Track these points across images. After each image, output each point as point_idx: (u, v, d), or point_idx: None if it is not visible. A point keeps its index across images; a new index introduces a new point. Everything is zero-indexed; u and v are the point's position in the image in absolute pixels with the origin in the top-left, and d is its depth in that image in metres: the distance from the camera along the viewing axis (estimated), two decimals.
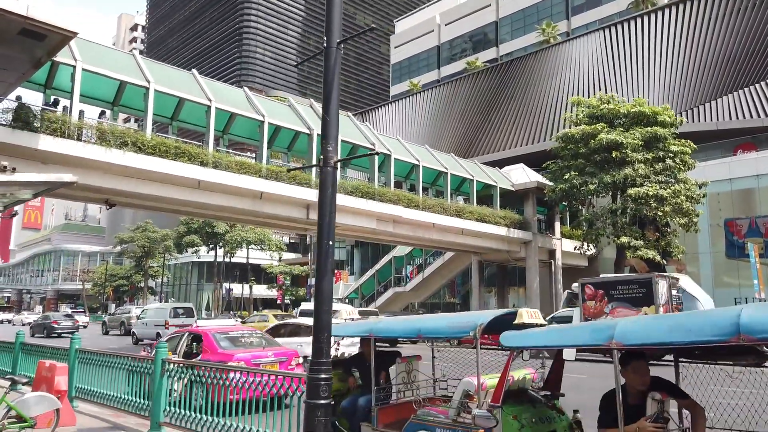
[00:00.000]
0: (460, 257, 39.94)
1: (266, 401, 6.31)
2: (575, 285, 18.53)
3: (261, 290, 62.97)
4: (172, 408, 7.40)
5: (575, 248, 32.60)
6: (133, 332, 29.83)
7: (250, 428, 6.31)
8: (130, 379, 8.59)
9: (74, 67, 18.09)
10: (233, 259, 59.90)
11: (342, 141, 25.91)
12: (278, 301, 60.25)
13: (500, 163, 39.79)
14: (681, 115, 31.15)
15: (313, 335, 5.07)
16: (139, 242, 65.07)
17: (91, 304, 77.88)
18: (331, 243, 5.36)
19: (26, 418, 6.35)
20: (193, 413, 7.11)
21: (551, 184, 32.66)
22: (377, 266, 46.24)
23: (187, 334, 11.57)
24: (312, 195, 23.69)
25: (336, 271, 55.12)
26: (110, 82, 20.22)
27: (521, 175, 36.53)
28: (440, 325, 5.62)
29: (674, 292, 17.08)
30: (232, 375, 7.17)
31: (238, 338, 10.82)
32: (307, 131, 24.96)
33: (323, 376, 4.97)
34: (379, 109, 66.02)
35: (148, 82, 19.97)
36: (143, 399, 8.30)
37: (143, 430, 7.71)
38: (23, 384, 6.58)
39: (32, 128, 16.77)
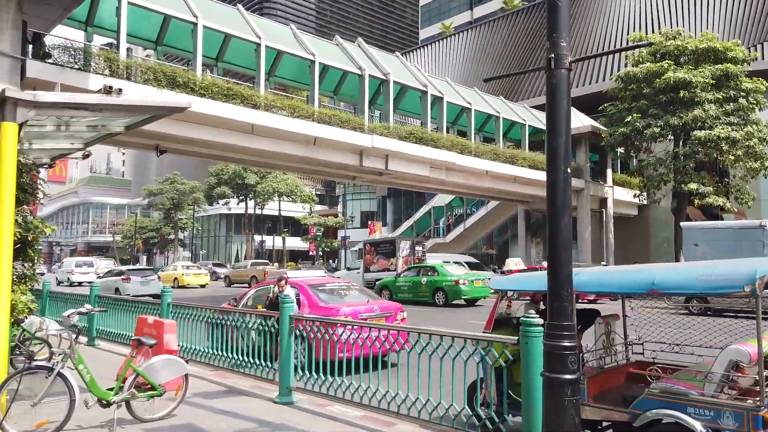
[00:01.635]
0: (504, 207, 38.61)
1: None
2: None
3: (293, 242, 62.56)
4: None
5: (635, 196, 31.05)
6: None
7: (416, 398, 5.26)
8: (229, 334, 7.67)
9: None
10: (264, 211, 59.24)
11: (394, 82, 24.33)
12: (310, 253, 59.85)
13: (544, 108, 37.74)
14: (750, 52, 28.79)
15: (550, 290, 3.89)
16: (168, 194, 64.63)
17: (121, 255, 78.52)
18: (568, 171, 4.10)
19: (155, 385, 5.37)
20: (335, 378, 6.10)
21: (605, 128, 30.88)
22: (415, 216, 45.10)
23: (273, 286, 10.59)
24: (366, 140, 22.36)
25: (369, 222, 54.30)
26: (154, 19, 18.77)
27: (572, 120, 34.57)
28: (686, 278, 4.38)
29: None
30: (341, 330, 6.27)
31: (336, 291, 9.79)
32: (358, 71, 23.36)
33: (567, 343, 3.82)
34: (408, 54, 63.38)
35: (196, 17, 18.46)
36: (250, 357, 7.41)
37: (268, 395, 6.75)
38: (150, 346, 5.54)
39: (84, 67, 15.55)
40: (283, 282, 9.07)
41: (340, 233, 59.72)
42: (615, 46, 40.44)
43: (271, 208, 60.23)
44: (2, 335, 4.82)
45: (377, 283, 23.77)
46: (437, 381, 5.24)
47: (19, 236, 5.36)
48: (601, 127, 32.47)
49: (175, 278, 32.34)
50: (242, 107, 18.57)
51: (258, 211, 58.76)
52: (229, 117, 18.24)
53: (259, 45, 20.15)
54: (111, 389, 5.22)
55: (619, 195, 35.26)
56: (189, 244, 71.79)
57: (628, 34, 37.62)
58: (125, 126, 6.96)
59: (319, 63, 21.85)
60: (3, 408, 4.69)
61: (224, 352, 7.95)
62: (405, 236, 37.34)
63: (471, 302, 20.62)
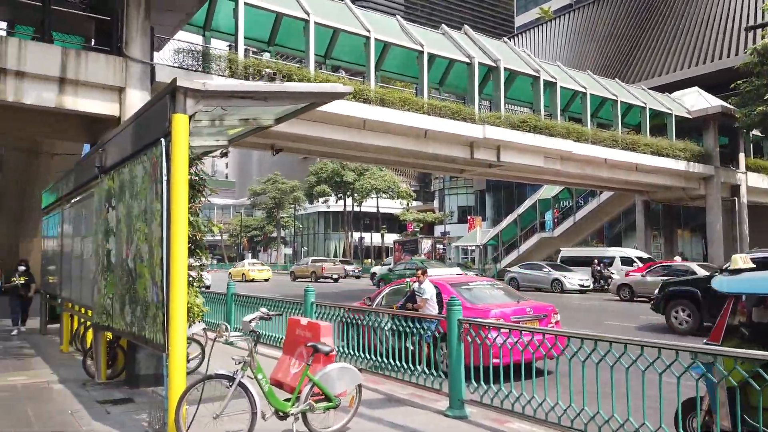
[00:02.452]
0: (619, 198, 35.98)
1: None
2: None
3: (390, 239, 62.58)
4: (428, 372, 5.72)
5: None
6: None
7: (610, 416, 4.39)
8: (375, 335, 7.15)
9: (236, 0, 16.86)
10: (361, 208, 59.71)
11: (504, 69, 23.14)
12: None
13: (660, 90, 34.69)
14: None
15: None
16: (270, 194, 66.95)
17: (228, 253, 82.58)
18: None
19: (331, 396, 4.91)
20: (512, 390, 5.36)
21: (738, 108, 27.74)
22: (519, 210, 43.29)
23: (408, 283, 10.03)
24: (477, 131, 21.40)
25: (469, 218, 53.05)
26: (266, 19, 18.93)
27: (698, 100, 31.51)
28: None
29: None
30: (494, 334, 5.54)
31: (480, 290, 9.04)
32: (466, 60, 22.42)
33: None
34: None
35: (307, 14, 18.39)
36: (399, 362, 6.87)
37: (433, 406, 6.13)
38: (326, 353, 5.09)
39: (206, 69, 15.88)
40: (422, 273, 8.41)
41: (438, 229, 58.99)
42: (745, 16, 36.42)
43: (368, 206, 60.58)
44: (180, 341, 4.53)
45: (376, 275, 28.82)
46: (621, 395, 4.40)
47: (189, 235, 5.11)
48: (731, 107, 29.27)
49: (243, 273, 37.71)
50: (354, 102, 18.29)
51: (356, 209, 59.34)
52: (343, 113, 18.00)
53: (368, 38, 19.80)
54: (287, 400, 4.80)
55: (754, 182, 31.70)
56: (290, 242, 74.06)
57: (764, 2, 33.69)
58: (275, 118, 6.62)
59: (428, 53, 21.16)
60: (184, 420, 4.39)
61: (365, 354, 7.48)
62: (427, 236, 46.86)
63: None
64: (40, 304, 12.25)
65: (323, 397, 4.94)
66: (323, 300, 8.85)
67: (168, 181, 4.67)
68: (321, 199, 60.06)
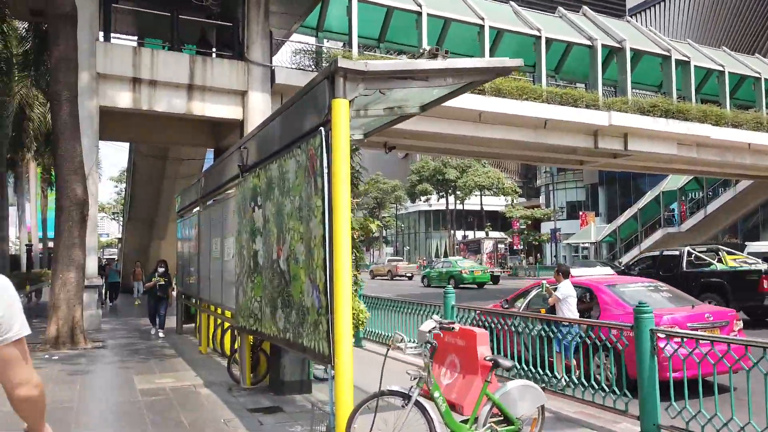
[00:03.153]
0: (756, 189, 32.16)
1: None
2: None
3: (494, 237, 60.80)
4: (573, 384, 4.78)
5: None
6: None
7: None
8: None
9: None
10: (464, 206, 58.51)
11: (631, 49, 21.24)
12: (514, 247, 57.48)
13: None
14: None
15: None
16: (372, 194, 67.53)
17: None
18: None
19: (513, 419, 4.22)
20: (716, 413, 4.36)
21: None
22: (640, 204, 40.11)
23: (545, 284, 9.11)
24: (602, 118, 19.77)
25: (581, 213, 50.12)
26: (377, 15, 18.63)
27: None
28: None
29: None
30: (663, 344, 4.94)
31: (643, 293, 7.92)
32: (588, 42, 20.83)
33: None
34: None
35: (420, 5, 17.85)
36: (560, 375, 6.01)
37: (611, 428, 5.24)
38: (507, 369, 4.41)
39: (319, 69, 15.82)
40: (560, 274, 7.44)
41: (544, 226, 56.39)
42: None
43: (470, 203, 59.23)
44: (347, 351, 4.05)
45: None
46: None
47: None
48: None
49: None
50: (469, 94, 17.45)
51: (458, 207, 58.22)
52: (458, 106, 17.23)
53: (482, 26, 18.91)
54: (465, 421, 4.17)
55: None
56: (392, 241, 74.34)
57: None
58: (421, 105, 6.04)
59: (545, 38, 19.86)
60: None
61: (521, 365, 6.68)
62: (489, 237, 48.62)
63: (480, 285, 28.82)
64: (176, 304, 12.66)
65: (503, 418, 4.26)
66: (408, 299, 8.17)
67: (329, 174, 4.22)
68: (423, 198, 59.56)
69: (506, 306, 9.37)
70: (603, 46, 20.79)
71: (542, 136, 19.62)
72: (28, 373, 1.62)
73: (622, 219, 41.98)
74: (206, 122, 18.50)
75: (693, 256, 13.64)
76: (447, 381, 6.20)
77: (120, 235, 45.21)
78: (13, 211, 33.44)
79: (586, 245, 46.80)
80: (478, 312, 7.72)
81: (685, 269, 13.41)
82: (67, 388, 6.98)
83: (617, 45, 21.26)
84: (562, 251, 48.74)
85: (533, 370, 6.67)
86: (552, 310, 7.83)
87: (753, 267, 12.91)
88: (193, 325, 12.10)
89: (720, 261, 13.44)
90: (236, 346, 8.14)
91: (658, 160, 23.27)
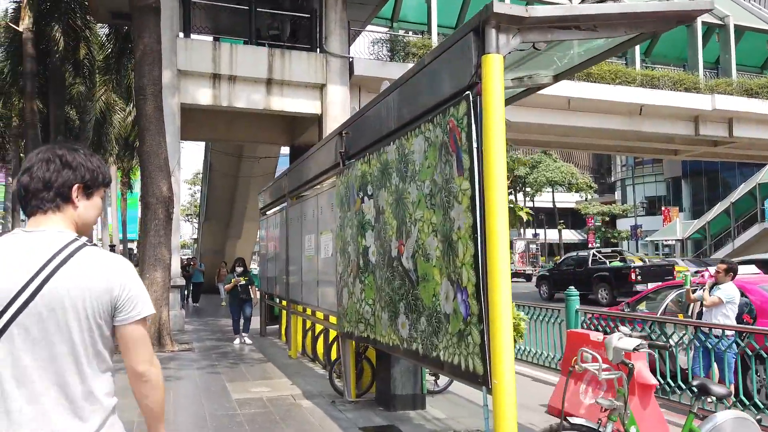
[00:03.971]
0: None
1: None
2: None
3: (567, 235, 58.35)
4: None
5: None
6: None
7: None
8: None
9: None
10: (534, 203, 56.40)
11: (735, 26, 19.29)
12: (589, 245, 54.86)
13: None
14: None
15: None
16: None
17: None
18: None
19: None
20: None
21: None
22: (733, 197, 37.02)
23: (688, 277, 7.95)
24: (704, 102, 17.99)
25: (663, 209, 47.06)
26: (454, 5, 17.72)
27: None
28: None
29: None
30: None
31: None
32: None
33: None
34: None
35: None
36: None
37: None
38: (720, 398, 3.45)
39: (399, 59, 15.13)
40: (726, 272, 6.19)
41: (620, 222, 53.42)
42: None
43: (541, 200, 57.04)
44: (509, 370, 3.22)
45: None
46: None
47: None
48: None
49: None
50: None
51: (528, 203, 56.18)
52: (545, 92, 16.01)
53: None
54: None
55: None
56: None
57: None
58: (555, 74, 5.12)
59: None
60: None
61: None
62: (521, 237, 46.29)
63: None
64: (260, 305, 12.26)
65: None
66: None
67: (480, 150, 3.40)
68: None
69: (628, 310, 8.29)
70: (702, 23, 18.96)
71: (636, 124, 18.08)
72: (151, 353, 1.62)
73: (712, 214, 38.90)
74: (282, 119, 18.20)
75: (597, 257, 19.72)
76: (590, 401, 5.27)
77: (193, 237, 46.43)
78: None
79: (671, 242, 43.81)
80: (611, 318, 6.72)
81: (589, 266, 19.20)
82: None
83: (719, 22, 19.37)
84: (642, 249, 45.86)
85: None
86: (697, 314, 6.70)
87: (628, 264, 18.13)
88: (277, 326, 11.65)
89: (623, 260, 19.11)
90: (332, 353, 7.50)
91: (764, 148, 21.07)
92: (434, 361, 3.99)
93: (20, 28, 16.95)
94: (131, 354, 1.57)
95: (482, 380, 3.36)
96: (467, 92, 3.49)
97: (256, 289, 11.28)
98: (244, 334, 10.70)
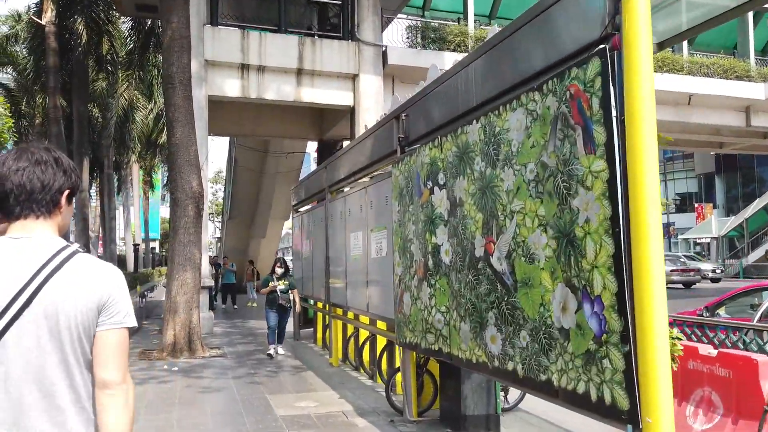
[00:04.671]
0: None
1: None
2: None
3: None
4: None
5: None
6: None
7: None
8: None
9: None
10: None
11: None
12: None
13: None
14: None
15: None
16: None
17: None
18: None
19: None
20: None
21: None
22: None
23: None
24: (757, 91, 16.90)
25: (697, 206, 45.53)
26: None
27: None
28: None
29: None
30: None
31: None
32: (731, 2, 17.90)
33: None
34: None
35: None
36: None
37: None
38: None
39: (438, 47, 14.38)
40: None
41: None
42: None
43: None
44: (666, 405, 2.46)
45: None
46: None
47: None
48: None
49: None
50: None
51: None
52: None
53: None
54: None
55: None
56: None
57: None
58: (657, 42, 4.32)
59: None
60: None
61: None
62: None
63: None
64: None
65: None
66: None
67: (621, 120, 2.65)
68: None
69: (706, 315, 7.45)
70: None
71: (684, 115, 17.07)
72: (125, 367, 1.52)
73: (750, 210, 37.44)
74: (310, 113, 17.55)
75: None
76: (702, 426, 4.48)
77: (216, 236, 46.14)
78: (117, 213, 34.59)
79: (705, 240, 42.33)
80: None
81: None
82: (198, 412, 5.88)
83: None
84: (674, 247, 44.42)
85: None
86: None
87: None
88: (312, 330, 10.99)
89: None
90: (382, 363, 6.79)
91: None
92: (542, 386, 3.24)
93: (43, 21, 16.53)
94: (101, 360, 1.47)
95: (628, 417, 2.60)
96: (602, 45, 2.73)
97: (297, 294, 9.55)
98: (277, 346, 9.34)
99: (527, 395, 5.65)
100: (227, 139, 25.67)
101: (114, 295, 1.50)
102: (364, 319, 7.26)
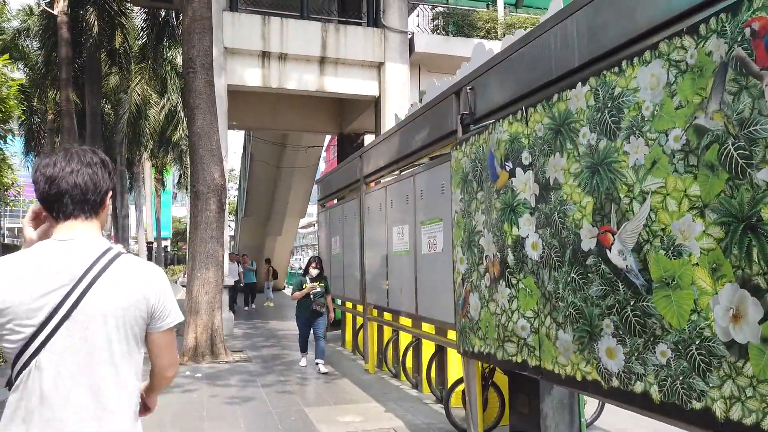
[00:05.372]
0: None
1: None
2: None
3: None
4: None
5: None
6: None
7: None
8: None
9: None
10: None
11: None
12: None
13: None
14: None
15: None
16: None
17: None
18: None
19: None
20: None
21: None
22: None
23: None
24: None
25: None
26: None
27: None
28: None
29: None
30: None
31: None
32: None
33: None
34: None
35: None
36: None
37: None
38: None
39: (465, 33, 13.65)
40: None
41: None
42: None
43: None
44: None
45: None
46: None
47: None
48: None
49: None
50: None
51: None
52: None
53: None
54: None
55: None
56: None
57: None
58: None
59: None
60: None
61: None
62: None
63: None
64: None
65: None
66: None
67: None
68: None
69: None
70: None
71: None
72: (176, 356, 1.72)
73: None
74: (330, 105, 16.88)
75: None
76: None
77: (229, 234, 45.64)
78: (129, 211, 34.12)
79: None
80: None
81: None
82: (230, 427, 5.20)
83: None
84: None
85: None
86: None
87: None
88: (340, 331, 10.32)
89: None
90: (431, 371, 6.10)
91: None
92: (695, 416, 2.51)
93: (55, 12, 15.98)
94: (161, 359, 1.65)
95: None
96: None
97: (330, 300, 8.14)
98: (318, 361, 7.82)
99: (605, 409, 4.95)
100: (241, 135, 25.12)
101: (161, 297, 1.57)
102: (406, 322, 6.56)
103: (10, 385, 1.47)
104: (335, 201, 9.92)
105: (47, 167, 1.51)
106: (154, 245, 38.24)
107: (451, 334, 5.26)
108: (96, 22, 17.11)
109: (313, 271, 7.97)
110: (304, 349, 8.34)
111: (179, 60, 24.90)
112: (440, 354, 5.91)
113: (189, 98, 8.73)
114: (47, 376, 1.43)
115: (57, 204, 1.50)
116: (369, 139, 17.56)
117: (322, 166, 29.00)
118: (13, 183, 9.56)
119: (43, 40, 18.81)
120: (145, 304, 1.52)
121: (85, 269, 1.46)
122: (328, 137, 22.00)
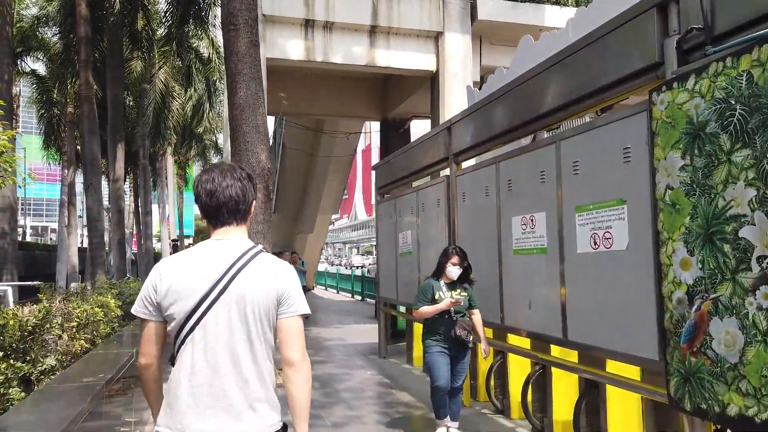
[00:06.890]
0: None
1: None
2: None
3: None
4: None
5: None
6: None
7: None
8: None
9: None
10: None
11: None
12: None
13: None
14: None
15: None
16: None
17: None
18: None
19: None
20: None
21: None
22: None
23: None
24: None
25: None
26: None
27: None
28: None
29: None
30: None
31: None
32: None
33: None
34: None
35: None
36: None
37: None
38: None
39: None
40: None
41: None
42: None
43: None
44: None
45: None
46: None
47: None
48: None
49: None
50: None
51: None
52: None
53: None
54: None
55: None
56: None
57: None
58: None
59: None
60: None
61: None
62: None
63: None
64: (378, 315, 9.29)
65: None
66: None
67: None
68: None
69: None
70: None
71: None
72: (304, 347, 1.83)
73: None
74: (374, 87, 15.26)
75: None
76: None
77: None
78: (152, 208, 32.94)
79: None
80: None
81: None
82: None
83: None
84: None
85: None
86: None
87: None
88: (405, 344, 8.69)
89: None
90: (579, 419, 4.41)
91: None
92: None
93: None
94: (287, 344, 1.80)
95: None
96: None
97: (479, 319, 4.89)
98: (451, 425, 4.72)
99: None
100: (270, 126, 23.56)
101: (289, 289, 1.83)
102: (554, 351, 4.89)
103: (173, 360, 1.77)
104: (403, 188, 8.26)
105: (207, 182, 1.84)
106: (179, 243, 37.06)
107: (630, 371, 3.58)
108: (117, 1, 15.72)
109: (453, 271, 4.63)
110: (443, 411, 4.64)
111: (203, 49, 23.59)
112: (591, 394, 4.23)
113: (230, 63, 7.13)
114: (198, 349, 1.73)
115: (216, 213, 1.85)
116: (417, 124, 15.91)
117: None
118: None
119: (62, 21, 17.48)
120: (275, 292, 1.79)
121: (232, 262, 1.78)
122: (366, 124, 20.41)
